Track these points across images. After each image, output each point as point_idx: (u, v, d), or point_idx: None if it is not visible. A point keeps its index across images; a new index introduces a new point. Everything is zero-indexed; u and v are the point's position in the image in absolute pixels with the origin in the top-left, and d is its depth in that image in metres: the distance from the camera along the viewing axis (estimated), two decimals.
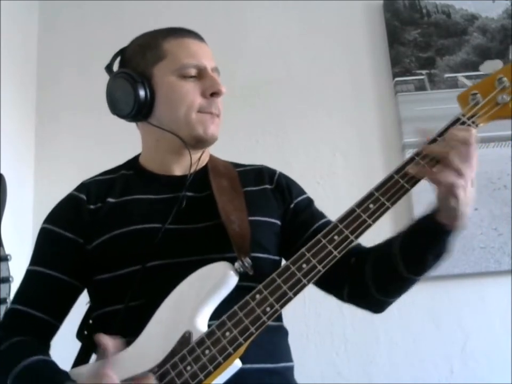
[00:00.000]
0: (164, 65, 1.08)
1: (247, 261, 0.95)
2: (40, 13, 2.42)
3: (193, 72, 1.07)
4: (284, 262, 1.11)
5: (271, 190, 1.15)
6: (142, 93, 1.06)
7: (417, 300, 1.94)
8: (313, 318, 2.00)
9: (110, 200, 1.08)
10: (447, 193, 0.88)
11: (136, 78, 1.07)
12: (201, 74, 1.08)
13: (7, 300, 1.40)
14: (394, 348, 1.99)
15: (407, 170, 0.91)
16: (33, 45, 2.36)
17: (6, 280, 1.41)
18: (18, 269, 1.45)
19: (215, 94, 1.07)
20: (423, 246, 0.94)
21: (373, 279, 1.02)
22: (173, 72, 1.07)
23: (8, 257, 1.44)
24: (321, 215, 1.15)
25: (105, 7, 2.39)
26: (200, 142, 1.09)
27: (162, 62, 1.08)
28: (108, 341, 0.88)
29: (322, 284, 1.08)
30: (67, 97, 2.30)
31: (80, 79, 2.30)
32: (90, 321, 1.08)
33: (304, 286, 0.89)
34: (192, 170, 1.10)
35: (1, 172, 1.57)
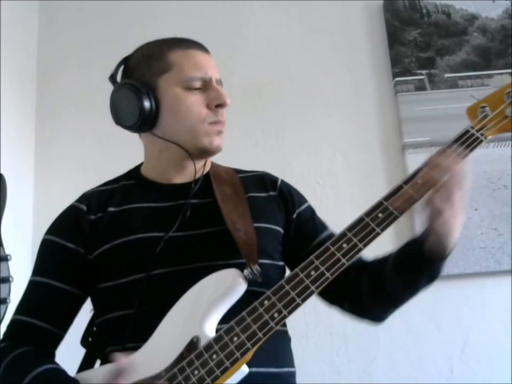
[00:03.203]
0: (169, 77, 1.07)
1: (256, 268, 0.95)
2: (40, 13, 2.42)
3: (198, 84, 1.07)
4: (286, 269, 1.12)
5: (274, 197, 1.15)
6: (147, 104, 1.06)
7: (417, 300, 1.93)
8: (313, 318, 2.00)
9: (111, 209, 1.08)
10: (438, 219, 0.90)
11: (142, 88, 1.06)
12: (206, 86, 1.08)
13: (7, 300, 1.39)
14: (394, 348, 1.99)
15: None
16: (33, 44, 2.36)
17: (6, 280, 1.41)
18: (18, 269, 1.45)
19: (220, 105, 1.07)
20: (414, 272, 0.97)
21: (368, 297, 1.05)
22: (178, 84, 1.07)
23: (8, 257, 1.44)
24: (324, 227, 1.16)
25: (105, 7, 2.39)
26: (205, 153, 1.09)
27: (168, 74, 1.07)
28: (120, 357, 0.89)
29: (325, 298, 1.11)
30: (67, 97, 2.30)
31: (80, 79, 2.30)
32: (94, 328, 1.08)
33: (312, 292, 0.89)
34: (195, 179, 1.09)
35: (1, 172, 1.57)
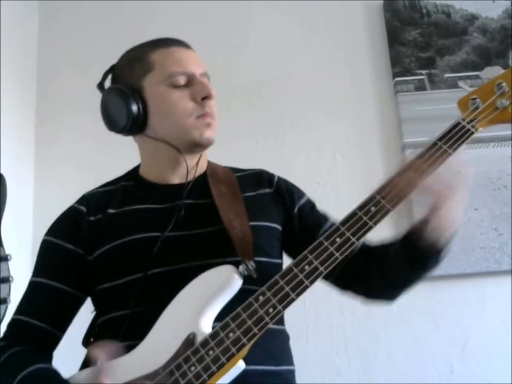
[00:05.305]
0: (153, 77, 1.09)
1: (251, 264, 0.96)
2: (40, 13, 2.42)
3: (182, 80, 1.07)
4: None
5: (271, 194, 1.15)
6: (134, 107, 1.07)
7: (417, 300, 1.93)
8: (313, 318, 2.00)
9: (110, 211, 1.09)
10: (440, 204, 0.92)
11: (127, 92, 1.08)
12: (190, 81, 1.08)
13: (7, 300, 1.40)
14: (394, 347, 1.99)
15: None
16: (33, 45, 2.36)
17: (6, 280, 1.41)
18: (18, 269, 1.45)
19: (205, 98, 1.07)
20: (421, 253, 0.97)
21: (378, 280, 1.06)
22: (161, 82, 1.08)
23: (8, 257, 1.44)
24: (326, 218, 1.16)
25: (105, 7, 2.39)
26: (196, 147, 1.09)
27: (151, 74, 1.09)
28: (98, 352, 0.88)
29: (338, 285, 1.13)
30: (67, 97, 2.30)
31: (80, 79, 2.30)
32: (96, 329, 1.09)
33: (306, 287, 0.90)
34: (190, 177, 1.11)
35: (1, 172, 1.57)
